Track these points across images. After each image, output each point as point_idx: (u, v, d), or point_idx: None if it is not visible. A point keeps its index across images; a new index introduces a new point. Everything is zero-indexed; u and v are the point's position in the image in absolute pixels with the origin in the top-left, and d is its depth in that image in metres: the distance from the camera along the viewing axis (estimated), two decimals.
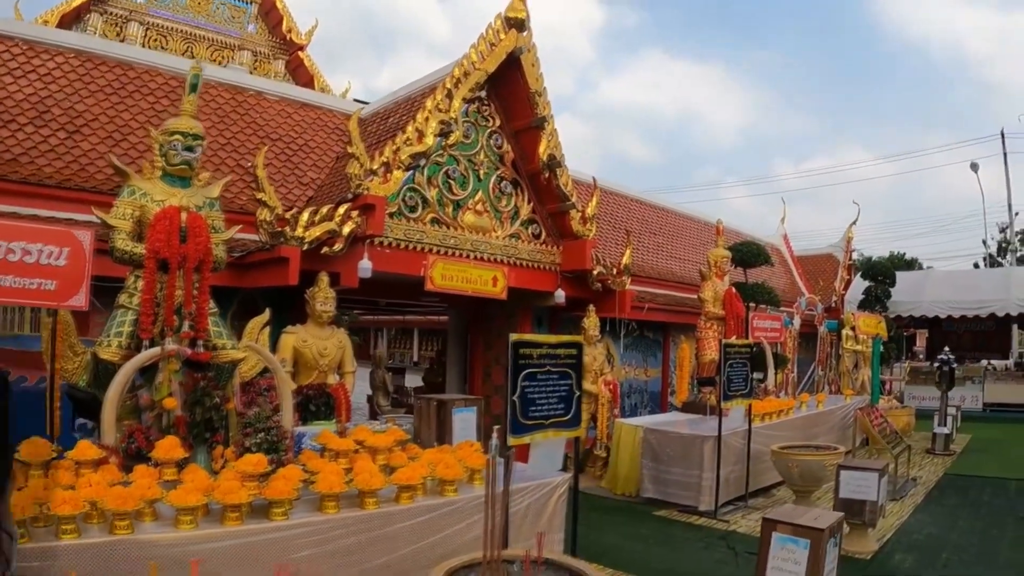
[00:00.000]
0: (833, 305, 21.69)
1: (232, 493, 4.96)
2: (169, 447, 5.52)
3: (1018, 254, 42.04)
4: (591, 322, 12.23)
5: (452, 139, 10.82)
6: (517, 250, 11.79)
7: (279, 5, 25.45)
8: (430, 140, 10.19)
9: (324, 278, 8.58)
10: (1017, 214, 41.19)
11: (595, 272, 12.47)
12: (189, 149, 6.77)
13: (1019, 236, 43.15)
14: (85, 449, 5.25)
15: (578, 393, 7.47)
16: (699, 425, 11.63)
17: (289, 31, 25.78)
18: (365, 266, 9.42)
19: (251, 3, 25.47)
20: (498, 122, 11.69)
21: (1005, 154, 38.36)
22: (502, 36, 11.04)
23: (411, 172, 10.32)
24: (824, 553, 5.83)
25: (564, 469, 7.58)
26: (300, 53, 26.02)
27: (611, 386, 12.59)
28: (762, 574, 5.74)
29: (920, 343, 24.98)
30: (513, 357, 6.75)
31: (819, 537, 5.79)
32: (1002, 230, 44.68)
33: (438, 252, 10.69)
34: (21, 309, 9.26)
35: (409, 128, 10.12)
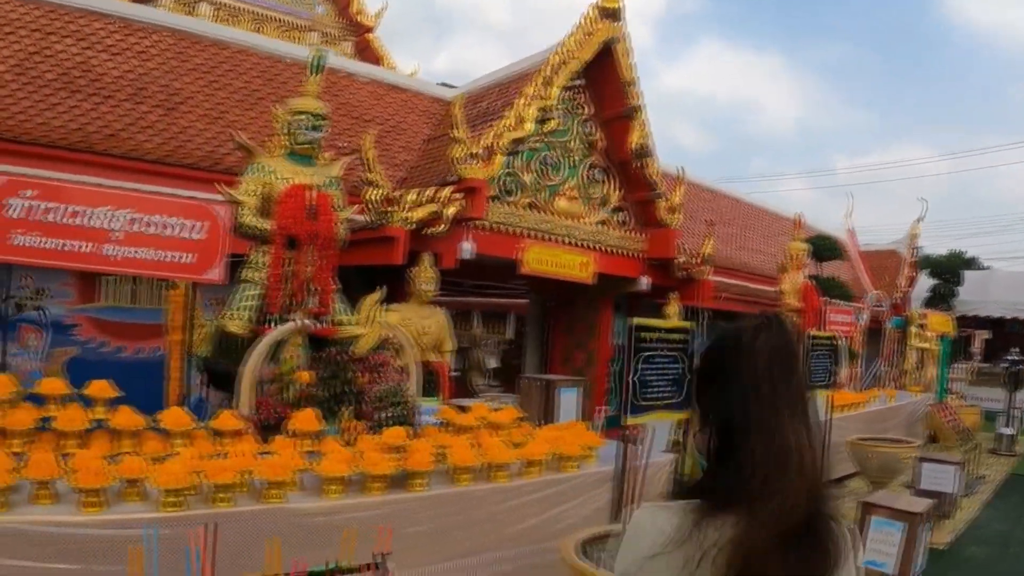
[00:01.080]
0: (896, 302, 21.44)
1: (377, 464, 5.06)
2: (307, 419, 5.62)
3: None
4: (673, 310, 12.22)
5: (549, 126, 10.85)
6: (606, 236, 11.82)
7: None
8: (529, 126, 10.23)
9: (427, 258, 8.67)
10: None
11: (679, 260, 12.45)
12: (315, 128, 6.89)
13: None
14: (226, 419, 5.36)
15: (688, 376, 7.46)
16: None
17: (358, 13, 25.61)
18: (467, 247, 9.50)
19: None
20: (590, 110, 11.72)
21: None
22: (597, 25, 11.03)
23: (509, 157, 10.35)
24: (917, 536, 6.10)
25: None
26: (368, 35, 25.94)
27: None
28: None
29: (977, 344, 24.62)
30: (633, 340, 6.79)
31: (915, 521, 6.10)
32: None
33: (532, 236, 10.75)
34: (134, 281, 9.48)
35: (509, 114, 10.18)
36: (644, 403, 6.93)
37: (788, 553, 1.56)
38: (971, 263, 26.95)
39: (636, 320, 6.97)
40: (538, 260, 10.74)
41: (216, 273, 5.98)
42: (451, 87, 14.65)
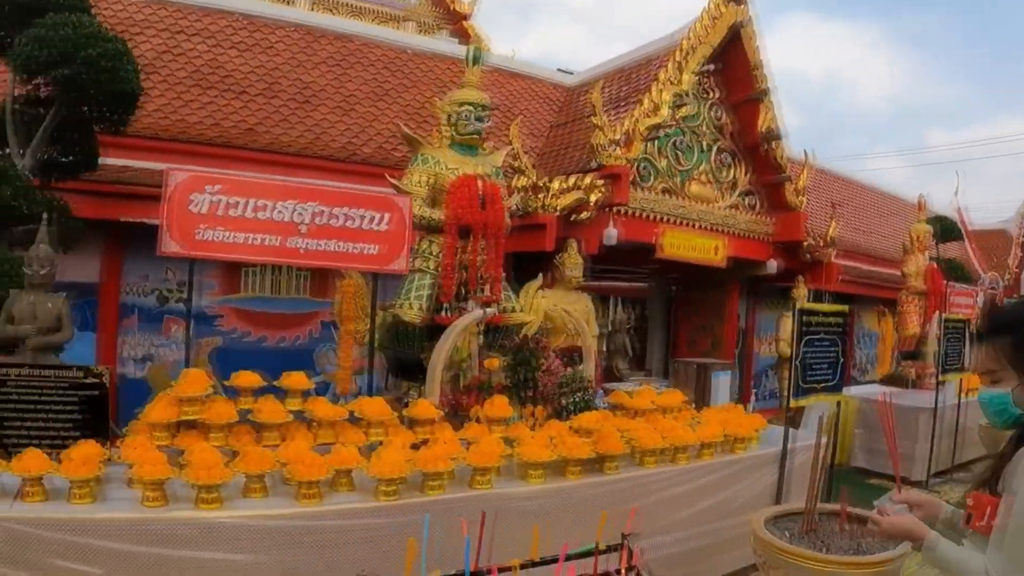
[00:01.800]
0: (1008, 283, 20.90)
1: (575, 449, 5.11)
2: (501, 406, 5.67)
3: None
4: (800, 292, 12.09)
5: (683, 112, 10.79)
6: (736, 220, 11.72)
7: None
8: (665, 112, 10.18)
9: (574, 244, 8.71)
10: None
11: (805, 243, 12.34)
12: (479, 119, 6.93)
13: None
14: (423, 408, 5.39)
15: (842, 359, 7.44)
16: (912, 397, 11.43)
17: (453, 1, 25.67)
18: (612, 233, 9.51)
19: None
20: (718, 94, 11.61)
21: None
22: (723, 10, 10.92)
23: (643, 143, 10.32)
24: None
25: None
26: (464, 23, 25.96)
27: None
28: None
29: None
30: (799, 324, 6.80)
31: None
32: None
33: (668, 221, 10.71)
34: (275, 272, 9.67)
35: (645, 100, 10.14)
36: (806, 385, 6.96)
37: None
38: None
39: (802, 304, 7.04)
40: (674, 245, 10.72)
41: (401, 263, 5.98)
42: (568, 73, 14.67)
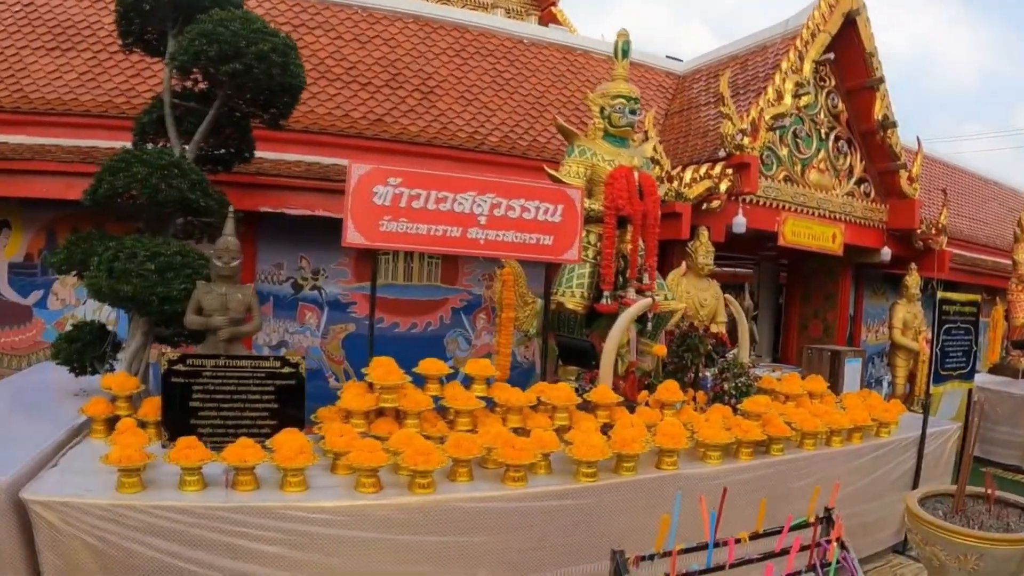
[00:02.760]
0: None
1: (750, 431, 5.24)
2: (673, 390, 5.76)
3: None
4: (913, 280, 11.93)
5: (804, 100, 10.71)
6: (852, 207, 11.61)
7: None
8: (788, 101, 10.15)
9: (705, 232, 8.71)
10: None
11: (918, 231, 12.22)
12: (632, 112, 7.01)
13: None
14: (604, 393, 5.51)
15: (975, 348, 7.45)
16: None
17: None
18: (740, 221, 9.53)
19: None
20: (833, 82, 11.48)
21: None
22: None
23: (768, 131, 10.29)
24: None
25: None
26: (553, 8, 25.91)
27: (930, 343, 12.34)
28: None
29: None
30: (939, 312, 6.91)
31: None
32: None
33: (789, 209, 10.66)
34: (408, 259, 9.76)
35: (769, 89, 10.12)
36: (944, 372, 7.04)
37: None
38: None
39: (942, 294, 7.05)
40: (794, 232, 10.69)
41: (573, 253, 6.03)
42: (677, 60, 14.63)
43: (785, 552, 3.08)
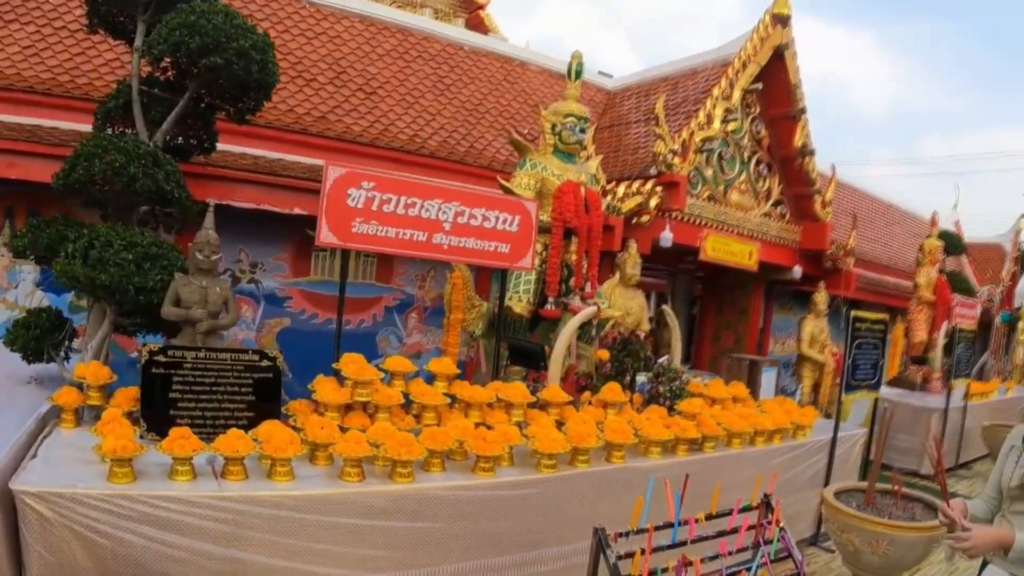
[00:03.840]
0: (1000, 296, 21.66)
1: (688, 430, 5.88)
2: (615, 391, 6.25)
3: None
4: (821, 297, 12.67)
5: (732, 126, 11.39)
6: (768, 228, 12.38)
7: None
8: (717, 125, 10.82)
9: (634, 245, 9.20)
10: None
11: (828, 252, 13.01)
12: (582, 131, 7.47)
13: None
14: (555, 392, 5.96)
15: (882, 361, 8.14)
16: (922, 399, 12.17)
17: None
18: (667, 236, 10.11)
19: None
20: (758, 109, 12.19)
21: None
22: (771, 31, 11.53)
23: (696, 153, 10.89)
24: None
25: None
26: (480, 12, 26.27)
27: (836, 356, 13.12)
28: None
29: None
30: (852, 328, 7.64)
31: None
32: None
33: (711, 226, 11.32)
34: (355, 257, 9.93)
35: (700, 113, 10.73)
36: (854, 383, 7.69)
37: None
38: None
39: (855, 312, 7.72)
40: (715, 248, 11.35)
41: (527, 261, 6.46)
42: (608, 76, 15.14)
43: (735, 531, 3.62)
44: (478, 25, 25.84)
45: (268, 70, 6.56)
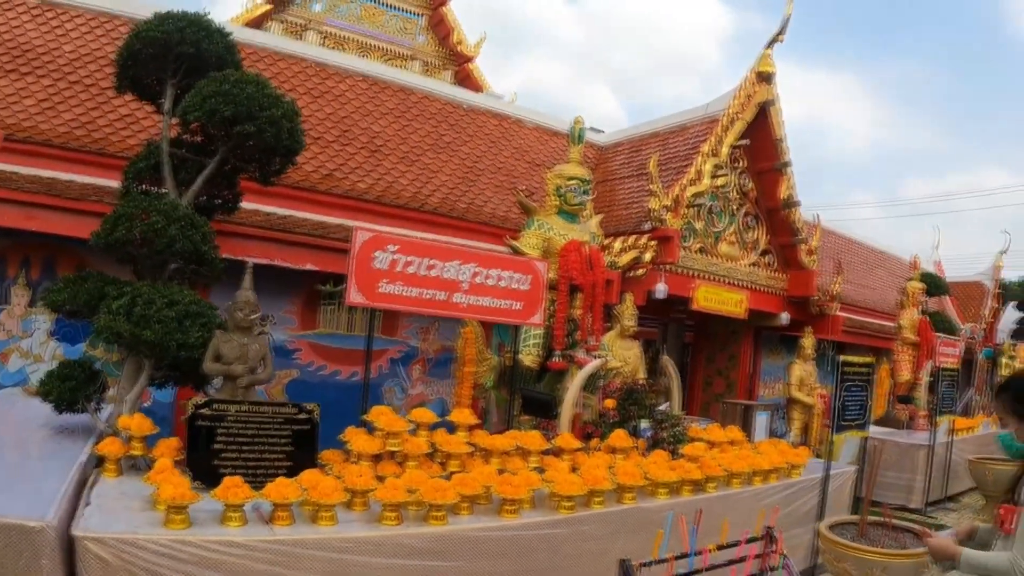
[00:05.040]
0: (983, 334, 22.35)
1: (691, 472, 6.34)
2: (623, 437, 6.74)
3: None
4: (809, 342, 13.19)
5: (720, 181, 12.02)
6: (757, 276, 13.01)
7: (448, 18, 26.23)
8: (707, 181, 11.45)
9: (630, 297, 9.71)
10: None
11: (815, 298, 13.58)
12: (585, 192, 8.02)
13: None
14: (568, 439, 6.48)
15: (869, 403, 8.65)
16: (909, 436, 12.73)
17: (458, 43, 26.52)
18: (662, 288, 10.65)
19: (421, 15, 26.39)
20: (745, 163, 12.87)
21: None
22: (755, 88, 12.22)
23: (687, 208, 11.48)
24: None
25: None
26: (468, 65, 26.95)
27: (824, 399, 13.62)
28: None
29: None
30: (840, 372, 8.19)
31: None
32: None
33: (702, 277, 11.92)
34: (350, 311, 10.29)
35: (691, 169, 11.36)
36: (844, 423, 8.21)
37: None
38: None
39: (843, 357, 8.25)
40: (706, 298, 11.94)
41: (538, 318, 6.99)
42: (599, 131, 15.77)
43: (743, 559, 4.13)
44: (466, 78, 26.45)
45: (295, 137, 6.93)
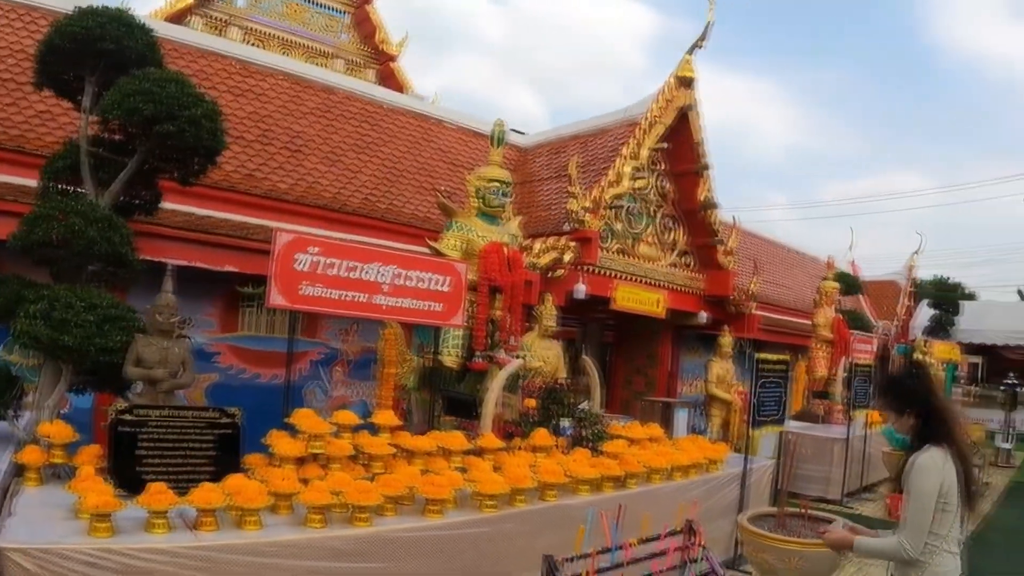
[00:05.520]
0: (896, 330, 23.11)
1: (612, 468, 6.55)
2: (544, 436, 6.89)
3: None
4: (727, 340, 13.56)
5: (640, 183, 12.28)
6: (675, 277, 13.31)
7: (372, 17, 26.20)
8: (626, 183, 11.69)
9: (550, 298, 9.86)
10: None
11: (731, 297, 13.93)
12: (505, 194, 8.14)
13: None
14: (490, 439, 6.60)
15: (785, 398, 8.94)
16: (826, 430, 13.15)
17: (382, 42, 26.50)
18: (581, 289, 10.84)
19: (345, 13, 26.29)
20: (664, 166, 13.17)
21: None
22: (675, 93, 12.52)
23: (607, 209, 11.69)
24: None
25: None
26: (391, 64, 26.92)
27: (743, 395, 13.97)
28: None
29: (964, 369, 26.52)
30: (756, 370, 8.47)
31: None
32: None
33: (621, 277, 12.15)
34: (271, 313, 10.21)
35: (611, 172, 11.57)
36: (760, 418, 8.48)
37: (967, 458, 3.75)
38: (954, 289, 29.05)
39: (759, 355, 8.53)
40: (625, 298, 12.18)
41: (458, 319, 7.09)
42: (520, 133, 15.93)
43: (665, 553, 4.31)
44: (389, 76, 26.38)
45: (216, 137, 6.90)
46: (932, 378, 4.10)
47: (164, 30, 10.74)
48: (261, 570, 4.36)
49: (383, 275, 6.64)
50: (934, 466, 3.68)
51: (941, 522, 3.68)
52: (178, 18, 22.05)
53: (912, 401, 3.94)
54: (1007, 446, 18.34)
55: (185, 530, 4.47)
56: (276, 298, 6.14)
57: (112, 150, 6.95)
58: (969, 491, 3.78)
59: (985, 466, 14.66)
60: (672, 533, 4.58)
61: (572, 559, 3.99)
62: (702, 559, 4.62)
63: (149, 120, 6.35)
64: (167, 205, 8.58)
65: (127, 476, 4.95)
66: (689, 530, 4.74)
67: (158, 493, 4.42)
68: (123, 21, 6.71)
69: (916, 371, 4.14)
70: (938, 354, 20.24)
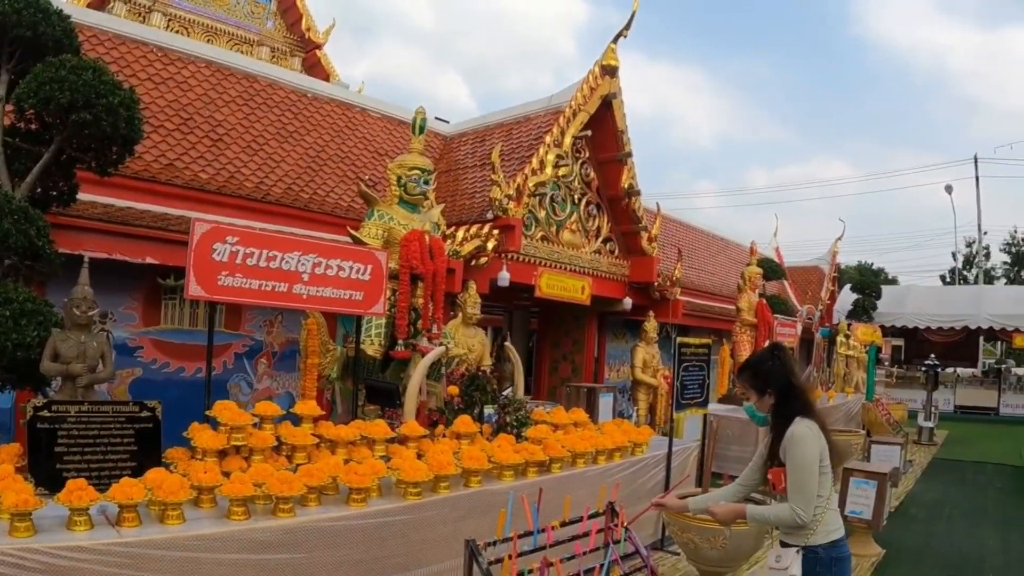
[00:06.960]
0: (820, 314, 23.70)
1: (536, 454, 6.71)
2: (467, 423, 6.99)
3: (984, 267, 45.81)
4: (651, 325, 13.85)
5: (563, 171, 12.44)
6: (599, 263, 13.48)
7: (298, 3, 25.77)
8: (549, 171, 11.81)
9: (473, 286, 9.93)
10: (986, 233, 44.81)
11: (655, 283, 14.20)
12: (426, 183, 8.24)
13: (985, 252, 46.91)
14: (413, 427, 6.69)
15: (708, 381, 9.19)
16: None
17: (308, 30, 26.13)
18: (504, 276, 10.96)
19: (271, 0, 26.12)
20: (587, 154, 13.32)
21: (977, 178, 42.01)
22: (599, 81, 12.69)
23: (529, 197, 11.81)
24: (885, 491, 8.59)
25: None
26: (317, 52, 26.70)
27: (668, 379, 14.27)
28: (842, 508, 8.20)
29: (886, 351, 27.33)
30: (678, 353, 8.67)
31: (884, 479, 8.55)
32: (968, 244, 48.87)
33: (545, 264, 12.28)
34: (194, 305, 10.19)
35: (533, 159, 11.68)
36: (684, 402, 8.73)
37: (826, 428, 4.10)
38: (877, 274, 29.97)
39: (680, 339, 8.74)
40: (549, 285, 12.33)
41: (379, 307, 7.13)
42: (444, 121, 16.02)
43: (587, 535, 4.47)
44: (315, 65, 26.13)
45: (134, 126, 6.91)
46: (791, 359, 4.38)
47: (83, 16, 10.66)
48: (185, 564, 4.39)
49: (303, 264, 6.65)
50: (811, 435, 4.02)
51: (823, 484, 4.03)
52: (101, 4, 21.46)
53: (773, 381, 4.24)
54: (929, 424, 19.15)
55: (107, 527, 4.47)
56: (195, 289, 6.09)
57: (28, 140, 6.92)
58: (833, 456, 4.15)
59: (908, 444, 15.15)
60: (594, 515, 4.74)
61: (494, 543, 4.12)
62: (624, 540, 4.79)
63: (65, 109, 6.34)
64: (85, 196, 8.55)
65: (47, 474, 4.93)
66: (611, 512, 4.90)
67: (78, 490, 4.39)
68: (39, 7, 6.65)
69: (776, 353, 4.37)
70: (861, 337, 20.84)
